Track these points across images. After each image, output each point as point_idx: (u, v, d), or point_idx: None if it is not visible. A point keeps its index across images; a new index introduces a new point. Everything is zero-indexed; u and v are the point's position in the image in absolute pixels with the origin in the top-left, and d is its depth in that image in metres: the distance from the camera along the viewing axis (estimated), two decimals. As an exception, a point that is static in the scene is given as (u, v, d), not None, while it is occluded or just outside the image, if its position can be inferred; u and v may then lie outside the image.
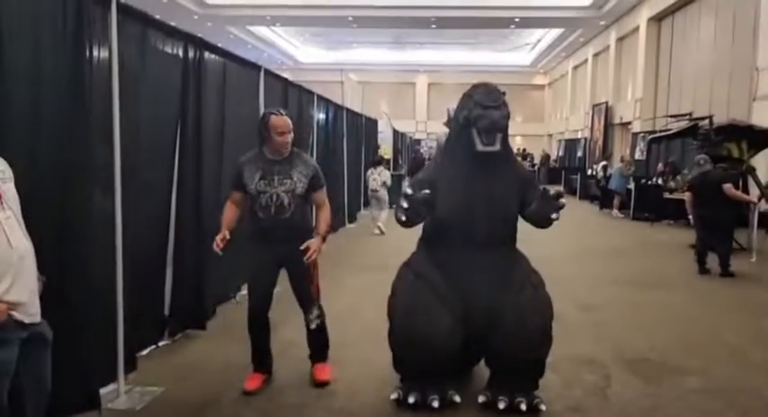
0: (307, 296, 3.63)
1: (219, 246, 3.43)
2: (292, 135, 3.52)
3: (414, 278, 3.40)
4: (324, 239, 3.55)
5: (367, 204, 12.26)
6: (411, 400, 3.30)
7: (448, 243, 3.34)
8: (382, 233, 10.25)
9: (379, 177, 10.70)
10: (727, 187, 7.40)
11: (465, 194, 3.27)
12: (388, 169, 12.41)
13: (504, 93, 3.25)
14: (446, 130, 3.83)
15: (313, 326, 3.67)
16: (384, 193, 10.73)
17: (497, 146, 3.20)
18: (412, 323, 3.26)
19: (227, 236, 3.46)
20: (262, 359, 3.73)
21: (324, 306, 3.75)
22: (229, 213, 3.64)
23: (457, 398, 3.34)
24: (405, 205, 3.10)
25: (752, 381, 3.94)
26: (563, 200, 3.18)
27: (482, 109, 3.12)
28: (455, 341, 3.27)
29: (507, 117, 3.23)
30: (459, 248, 3.27)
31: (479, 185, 3.27)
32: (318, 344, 3.79)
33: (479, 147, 3.18)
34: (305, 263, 3.49)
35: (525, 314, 3.27)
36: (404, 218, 3.21)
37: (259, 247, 3.58)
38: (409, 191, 3.17)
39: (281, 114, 3.50)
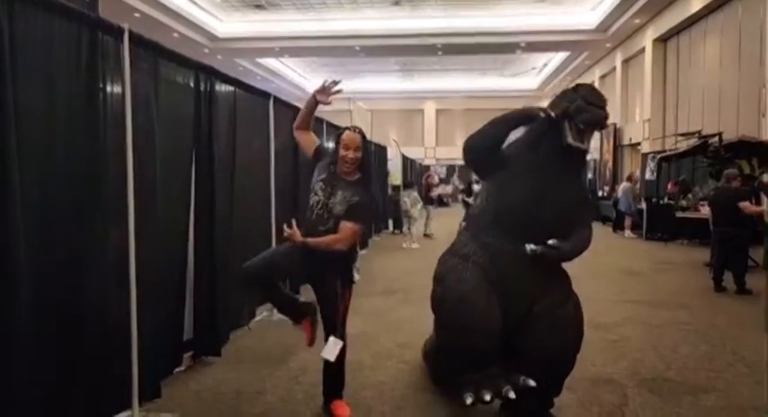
0: (326, 319, 3.48)
1: None
2: (359, 155, 3.42)
3: (462, 262, 3.27)
4: (304, 242, 3.31)
5: (379, 231, 13.95)
6: (469, 401, 3.09)
7: (503, 229, 3.20)
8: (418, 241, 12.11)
9: (408, 199, 12.57)
10: (744, 205, 7.36)
11: (540, 184, 3.13)
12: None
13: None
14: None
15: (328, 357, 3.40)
16: (415, 211, 12.49)
17: (587, 146, 3.12)
18: (469, 310, 3.11)
19: None
20: (285, 306, 3.58)
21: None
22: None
23: (511, 394, 3.07)
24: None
25: (772, 398, 3.87)
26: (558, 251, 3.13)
27: (586, 103, 3.04)
28: (501, 329, 3.16)
29: (607, 118, 3.15)
30: (513, 237, 3.13)
31: (554, 181, 3.15)
32: (336, 378, 3.58)
33: (569, 140, 3.06)
34: (328, 286, 3.43)
35: (563, 327, 3.20)
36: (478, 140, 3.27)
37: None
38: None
39: (354, 132, 3.48)
